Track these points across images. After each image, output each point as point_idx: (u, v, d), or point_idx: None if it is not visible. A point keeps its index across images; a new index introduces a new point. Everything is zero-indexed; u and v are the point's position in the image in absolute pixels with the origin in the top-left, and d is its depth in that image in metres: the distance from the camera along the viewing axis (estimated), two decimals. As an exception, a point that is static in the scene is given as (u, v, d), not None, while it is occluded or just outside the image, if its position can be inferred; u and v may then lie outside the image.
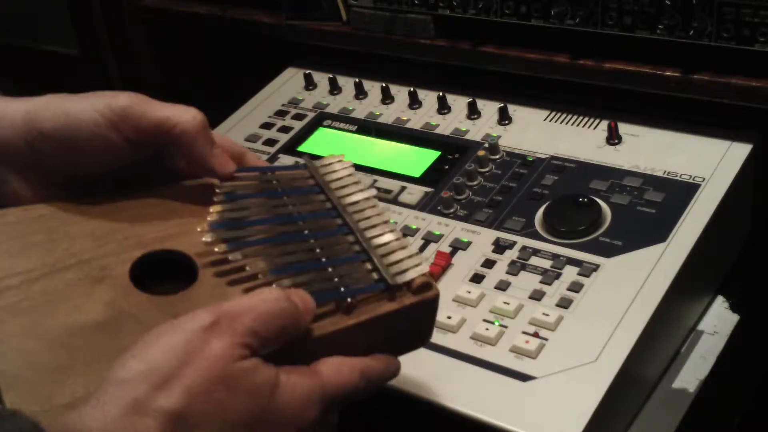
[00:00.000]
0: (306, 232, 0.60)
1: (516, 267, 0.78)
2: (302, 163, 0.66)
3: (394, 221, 0.63)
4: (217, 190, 0.61)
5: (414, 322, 0.60)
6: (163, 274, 0.58)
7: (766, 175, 0.88)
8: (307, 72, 1.10)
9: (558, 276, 0.76)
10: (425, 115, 1.00)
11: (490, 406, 0.67)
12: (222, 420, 0.48)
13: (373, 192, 0.64)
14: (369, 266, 0.58)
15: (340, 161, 0.67)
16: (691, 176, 0.83)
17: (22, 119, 0.59)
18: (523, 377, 0.69)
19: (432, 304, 0.59)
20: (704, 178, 0.83)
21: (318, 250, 0.59)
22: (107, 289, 0.55)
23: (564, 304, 0.74)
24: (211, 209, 0.60)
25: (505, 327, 0.73)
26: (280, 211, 0.61)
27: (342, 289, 0.56)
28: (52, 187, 0.61)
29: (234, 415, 0.48)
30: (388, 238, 0.60)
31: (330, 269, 0.57)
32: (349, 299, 0.56)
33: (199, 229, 0.58)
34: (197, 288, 0.57)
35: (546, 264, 0.78)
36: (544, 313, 0.73)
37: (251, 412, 0.49)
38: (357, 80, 1.05)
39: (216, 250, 0.57)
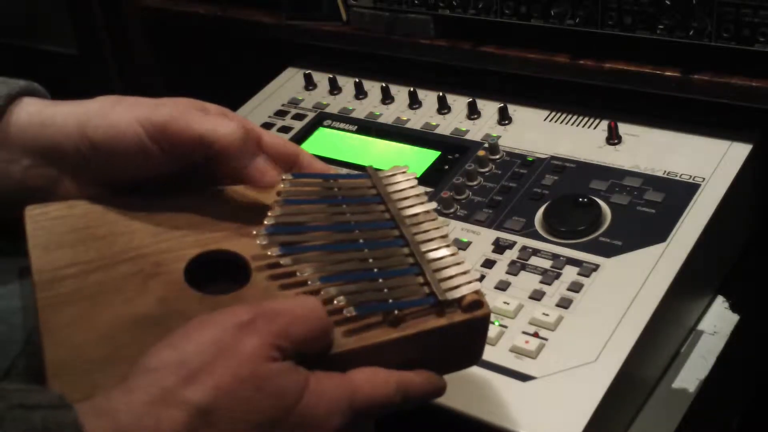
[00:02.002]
0: (361, 241, 0.59)
1: (516, 267, 0.78)
2: (365, 172, 0.66)
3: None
4: (277, 194, 0.62)
5: (462, 340, 0.59)
6: (218, 274, 0.59)
7: (766, 175, 0.88)
8: (307, 72, 1.10)
9: (558, 276, 0.76)
10: (425, 115, 1.00)
11: (490, 406, 0.67)
12: (245, 419, 0.48)
13: (434, 205, 0.64)
14: (421, 280, 0.58)
15: (403, 172, 0.66)
16: (691, 176, 0.83)
17: (75, 127, 0.60)
18: (523, 377, 0.69)
19: (482, 324, 0.58)
20: (704, 178, 0.83)
21: (371, 261, 0.58)
22: (160, 284, 0.56)
23: (564, 304, 0.74)
24: (269, 213, 0.60)
25: (505, 327, 0.73)
26: (337, 219, 0.61)
27: (390, 300, 0.56)
28: (101, 189, 0.62)
29: (258, 416, 0.49)
30: (443, 253, 0.60)
31: (380, 280, 0.57)
32: (396, 311, 0.55)
33: (254, 232, 0.59)
34: (249, 290, 0.57)
35: (546, 264, 0.78)
36: (544, 313, 0.73)
37: (275, 414, 0.49)
38: (357, 80, 1.05)
39: (269, 253, 0.57)
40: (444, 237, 0.61)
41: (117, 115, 0.60)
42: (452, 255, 0.59)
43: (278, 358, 0.50)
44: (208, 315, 0.51)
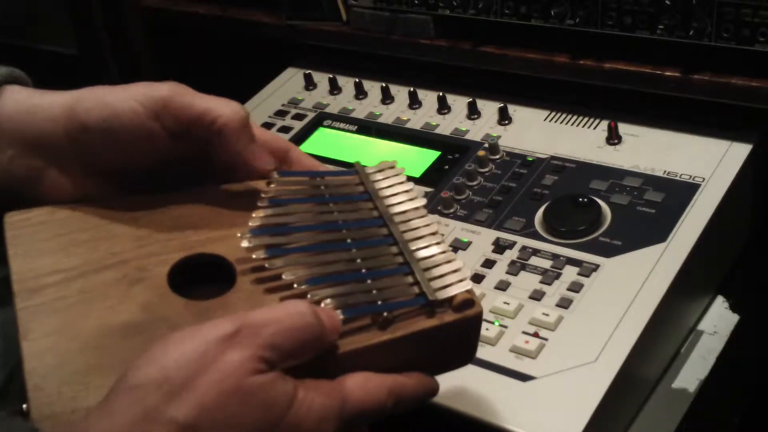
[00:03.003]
0: (349, 241, 0.58)
1: (516, 267, 0.78)
2: (353, 169, 0.65)
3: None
4: (262, 195, 0.60)
5: (454, 340, 0.58)
6: (204, 277, 0.57)
7: (766, 175, 0.88)
8: (307, 72, 1.10)
9: (558, 276, 0.76)
10: (425, 115, 1.00)
11: (490, 406, 0.67)
12: None
13: (424, 202, 0.62)
14: (410, 280, 0.56)
15: (392, 167, 0.65)
16: (691, 176, 0.83)
17: (63, 112, 0.58)
18: (523, 377, 0.69)
19: (474, 323, 0.57)
20: (704, 178, 0.83)
21: (359, 261, 0.57)
22: (144, 291, 0.55)
23: (564, 304, 0.74)
24: (254, 214, 0.59)
25: (505, 327, 0.73)
26: (324, 218, 0.60)
27: (379, 302, 0.54)
28: (91, 180, 0.60)
29: (245, 429, 0.47)
30: (433, 251, 0.58)
31: (369, 281, 0.56)
32: (385, 313, 0.54)
33: (239, 234, 0.57)
34: (234, 294, 0.56)
35: (546, 264, 0.78)
36: (544, 313, 0.73)
37: (263, 427, 0.48)
38: (357, 80, 1.05)
39: (254, 256, 0.56)
40: (434, 234, 0.59)
41: (112, 96, 0.58)
42: (442, 253, 0.58)
43: (264, 369, 0.48)
44: (190, 328, 0.49)
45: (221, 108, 0.58)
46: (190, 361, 0.46)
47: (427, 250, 0.58)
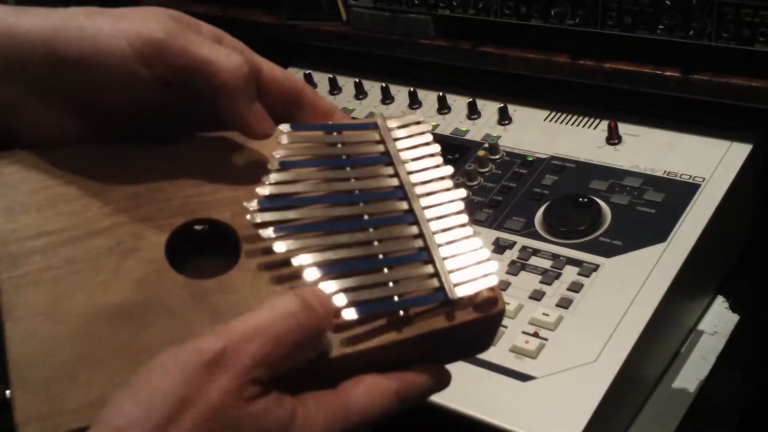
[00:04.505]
0: (366, 217, 0.51)
1: (516, 267, 0.78)
2: (373, 122, 0.56)
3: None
4: (275, 155, 0.52)
5: (471, 336, 0.52)
6: (205, 239, 0.52)
7: (766, 175, 0.88)
8: (307, 72, 1.10)
9: (558, 276, 0.76)
10: (425, 115, 1.00)
11: (490, 406, 0.67)
12: None
13: (450, 171, 0.54)
14: (430, 270, 0.50)
15: (417, 123, 0.56)
16: (691, 176, 0.83)
17: (41, 39, 0.51)
18: (523, 377, 0.69)
19: (495, 320, 0.51)
20: (704, 178, 0.83)
21: (375, 243, 0.50)
22: (139, 264, 0.49)
23: (564, 304, 0.74)
24: (263, 179, 0.51)
25: (505, 327, 0.73)
26: (339, 186, 0.52)
27: (396, 297, 0.48)
28: (73, 119, 0.53)
29: None
30: (457, 234, 0.51)
31: (386, 270, 0.49)
32: (401, 312, 0.48)
33: (244, 204, 0.50)
34: (237, 275, 0.50)
35: (546, 264, 0.78)
36: (544, 313, 0.73)
37: None
38: (357, 80, 1.05)
39: (261, 234, 0.49)
40: (459, 213, 0.52)
41: (96, 28, 0.51)
42: (466, 238, 0.52)
43: (256, 393, 0.44)
44: (172, 350, 0.44)
45: (222, 62, 0.52)
46: (173, 393, 0.42)
47: (449, 233, 0.52)
